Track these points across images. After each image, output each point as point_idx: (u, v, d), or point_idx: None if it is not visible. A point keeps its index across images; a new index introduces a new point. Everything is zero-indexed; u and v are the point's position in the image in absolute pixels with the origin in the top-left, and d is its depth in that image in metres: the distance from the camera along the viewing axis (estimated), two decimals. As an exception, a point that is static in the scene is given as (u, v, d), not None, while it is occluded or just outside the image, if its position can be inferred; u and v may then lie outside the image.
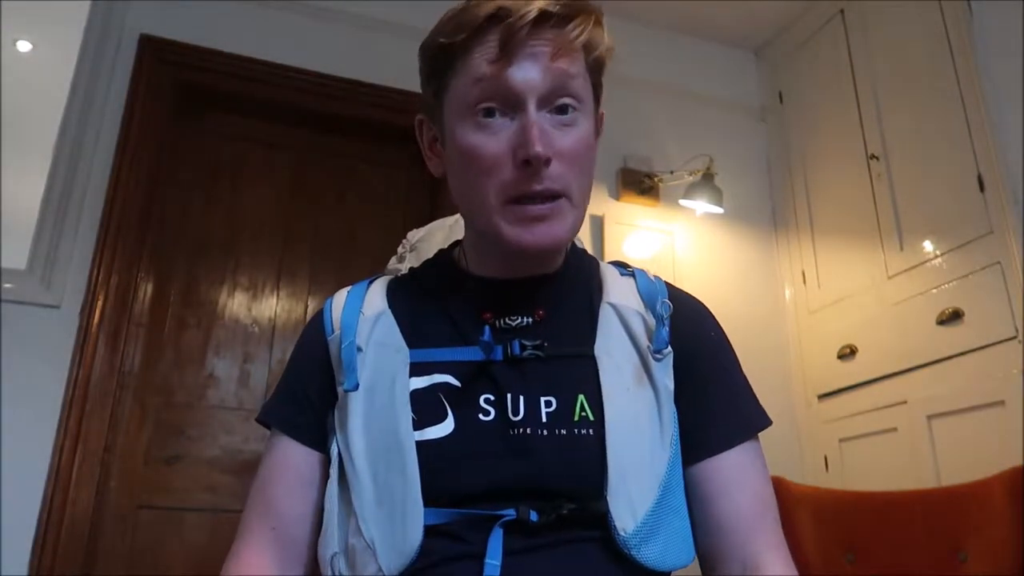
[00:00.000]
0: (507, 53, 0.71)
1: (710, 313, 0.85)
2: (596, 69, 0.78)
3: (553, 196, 0.72)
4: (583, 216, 0.77)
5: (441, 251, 0.89)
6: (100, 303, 2.02)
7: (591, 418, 0.72)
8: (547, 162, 0.71)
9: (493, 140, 0.72)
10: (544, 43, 0.71)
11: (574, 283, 0.83)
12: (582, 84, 0.74)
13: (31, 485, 1.85)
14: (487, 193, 0.73)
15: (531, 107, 0.71)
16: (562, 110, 0.73)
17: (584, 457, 0.70)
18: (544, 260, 0.80)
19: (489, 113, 0.72)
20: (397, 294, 0.83)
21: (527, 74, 0.71)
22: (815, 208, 2.70)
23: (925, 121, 2.26)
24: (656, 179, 2.68)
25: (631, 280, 0.83)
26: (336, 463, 0.74)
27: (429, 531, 0.67)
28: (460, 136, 0.74)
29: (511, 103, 0.72)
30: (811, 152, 2.75)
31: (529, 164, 0.70)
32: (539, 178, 0.71)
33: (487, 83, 0.72)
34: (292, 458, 0.78)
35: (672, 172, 2.67)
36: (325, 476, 0.76)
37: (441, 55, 0.75)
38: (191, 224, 2.33)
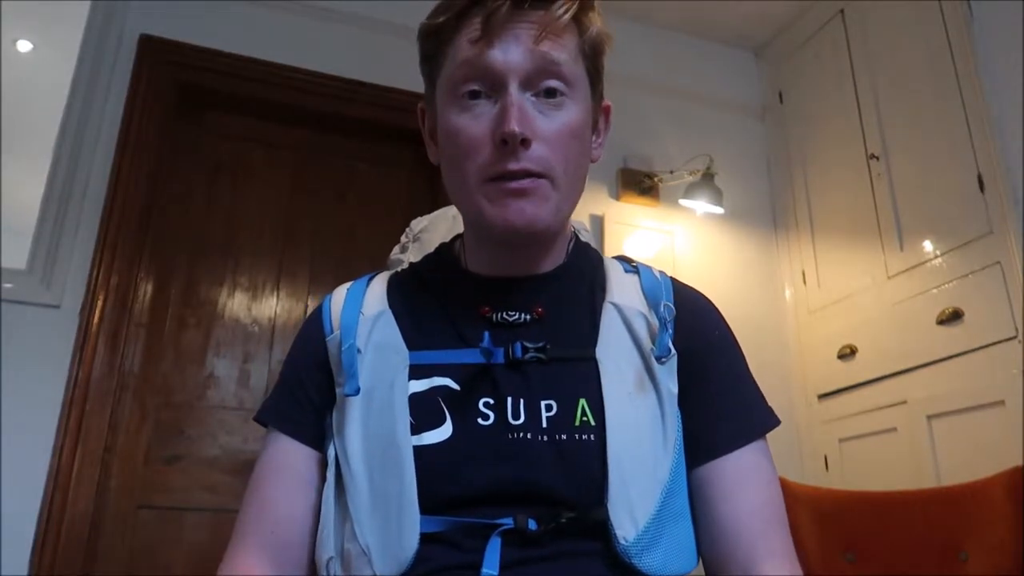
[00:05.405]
0: (488, 34, 0.70)
1: (716, 310, 0.83)
2: (592, 54, 0.75)
3: (532, 176, 0.70)
4: (570, 204, 0.75)
5: (443, 245, 0.87)
6: (100, 303, 2.02)
7: (592, 423, 0.70)
8: (525, 143, 0.69)
9: (476, 122, 0.71)
10: (528, 24, 0.70)
11: (576, 280, 0.80)
12: (572, 69, 0.72)
13: (31, 485, 1.85)
14: (469, 174, 0.72)
15: (512, 88, 0.70)
16: (549, 93, 0.71)
17: (585, 463, 0.68)
18: (532, 249, 0.78)
19: (474, 95, 0.72)
20: (397, 292, 0.81)
21: (508, 55, 0.70)
22: (815, 208, 2.70)
23: (925, 121, 2.26)
24: (656, 179, 2.68)
25: (635, 277, 0.81)
26: (333, 465, 0.73)
27: (425, 538, 0.66)
28: (447, 119, 0.74)
29: (494, 85, 0.71)
30: (811, 152, 2.75)
31: (506, 143, 0.69)
32: (516, 157, 0.69)
33: (470, 65, 0.71)
34: (290, 457, 0.77)
35: (672, 172, 2.67)
36: (323, 477, 0.75)
37: (432, 39, 0.76)
38: (191, 224, 2.32)
